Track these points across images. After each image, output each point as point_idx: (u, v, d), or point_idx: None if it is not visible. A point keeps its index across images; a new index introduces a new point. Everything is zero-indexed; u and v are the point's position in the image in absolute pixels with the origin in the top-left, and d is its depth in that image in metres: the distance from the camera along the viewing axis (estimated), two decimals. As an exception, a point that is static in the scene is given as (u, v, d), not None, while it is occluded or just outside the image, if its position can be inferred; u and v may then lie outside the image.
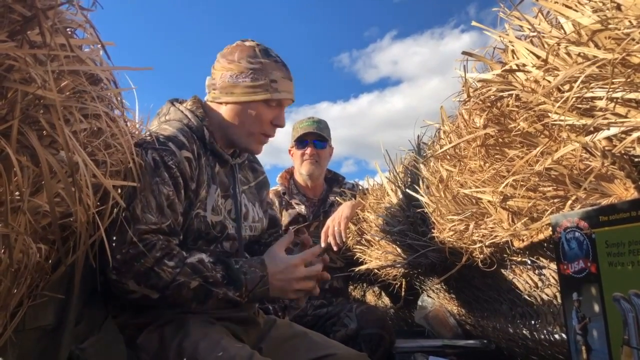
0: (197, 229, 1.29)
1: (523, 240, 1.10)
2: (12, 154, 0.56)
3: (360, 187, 2.65)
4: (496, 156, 1.05)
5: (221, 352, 1.13)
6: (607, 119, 0.70)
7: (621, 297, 0.74)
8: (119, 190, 1.08)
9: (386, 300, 3.52)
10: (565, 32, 0.76)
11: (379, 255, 2.12)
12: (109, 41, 0.72)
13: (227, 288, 1.19)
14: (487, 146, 1.04)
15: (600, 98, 0.70)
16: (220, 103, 1.39)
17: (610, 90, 0.67)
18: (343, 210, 2.33)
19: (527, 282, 1.41)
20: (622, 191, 0.79)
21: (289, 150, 2.70)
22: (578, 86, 0.70)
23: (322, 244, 2.27)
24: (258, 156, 1.60)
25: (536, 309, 1.47)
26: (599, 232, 0.78)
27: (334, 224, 2.29)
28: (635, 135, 0.67)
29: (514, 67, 0.86)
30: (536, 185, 0.96)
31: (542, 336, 1.47)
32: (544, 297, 1.37)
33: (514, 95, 0.87)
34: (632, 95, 0.66)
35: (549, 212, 0.96)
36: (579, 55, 0.72)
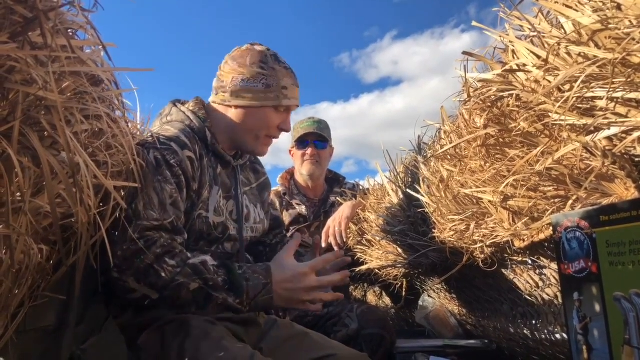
0: (199, 230, 1.29)
1: (524, 240, 1.10)
2: (14, 155, 0.56)
3: (361, 188, 2.65)
4: (497, 156, 1.05)
5: (222, 353, 1.13)
6: (607, 118, 0.70)
7: (622, 296, 0.74)
8: (121, 192, 1.08)
9: (387, 300, 3.52)
10: (565, 32, 0.76)
11: (380, 256, 2.12)
12: (110, 42, 0.72)
13: (228, 294, 1.15)
14: (487, 146, 1.04)
15: (600, 98, 0.70)
16: (229, 106, 1.40)
17: (611, 90, 0.67)
18: (344, 210, 2.33)
19: (528, 282, 1.41)
20: (622, 191, 0.80)
21: (290, 151, 2.70)
22: (578, 86, 0.70)
23: (323, 244, 2.27)
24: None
25: (537, 308, 1.47)
26: (600, 232, 0.78)
27: (335, 224, 2.29)
28: (635, 135, 0.67)
29: (515, 67, 0.86)
30: (537, 185, 0.96)
31: (543, 336, 1.46)
32: (545, 297, 1.37)
33: (514, 95, 0.87)
34: (633, 95, 0.66)
35: (549, 212, 0.96)
36: (579, 55, 0.73)
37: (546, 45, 0.80)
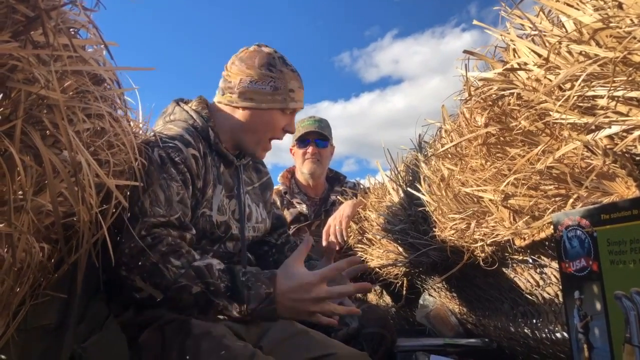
0: (202, 228, 1.29)
1: (524, 239, 1.10)
2: (16, 154, 0.56)
3: (362, 186, 2.65)
4: (497, 155, 1.05)
5: (223, 351, 1.13)
6: (608, 117, 0.70)
7: (623, 295, 0.74)
8: (124, 191, 1.08)
9: (387, 299, 3.52)
10: (566, 31, 0.76)
11: (380, 254, 2.12)
12: (112, 41, 0.72)
13: (229, 301, 1.11)
14: (488, 145, 1.05)
15: (601, 96, 0.70)
16: (237, 107, 1.40)
17: (612, 88, 0.67)
18: (344, 209, 2.33)
19: (528, 281, 1.42)
20: (623, 189, 0.80)
21: (290, 149, 2.70)
22: (579, 85, 0.70)
23: (324, 243, 2.27)
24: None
25: (537, 307, 1.47)
26: (601, 231, 0.78)
27: (335, 223, 2.29)
28: (636, 133, 0.67)
29: (516, 65, 0.86)
30: (537, 183, 0.96)
31: (544, 335, 1.47)
32: (546, 295, 1.37)
33: (515, 94, 0.87)
34: (634, 94, 0.66)
35: (550, 210, 0.96)
36: (580, 53, 0.73)
37: (547, 44, 0.80)
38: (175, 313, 1.21)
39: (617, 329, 0.75)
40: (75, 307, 0.97)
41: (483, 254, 1.33)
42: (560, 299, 1.28)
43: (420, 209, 1.63)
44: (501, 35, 0.92)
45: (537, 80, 0.80)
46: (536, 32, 0.84)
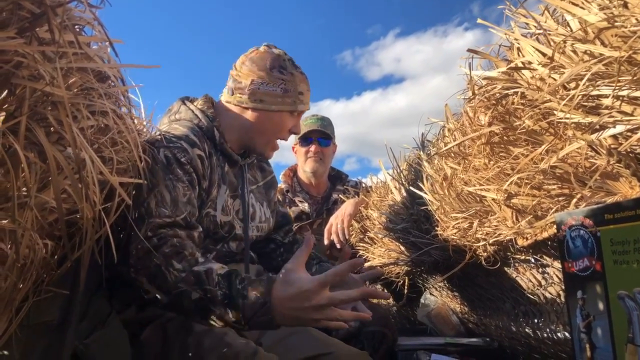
0: (206, 228, 1.29)
1: (527, 239, 1.10)
2: (20, 150, 0.56)
3: (364, 185, 2.65)
4: (501, 154, 1.05)
5: (226, 349, 1.13)
6: (612, 117, 0.70)
7: (626, 295, 0.74)
8: (128, 189, 1.08)
9: (388, 298, 3.52)
10: (571, 30, 0.76)
11: (382, 253, 2.12)
12: (117, 38, 0.72)
13: (225, 309, 1.05)
14: (491, 144, 1.04)
15: (606, 96, 0.70)
16: (246, 108, 1.40)
17: (617, 88, 0.67)
18: (346, 207, 2.33)
19: (530, 281, 1.41)
20: (627, 189, 0.79)
21: (292, 147, 2.70)
22: (584, 84, 0.70)
23: (326, 242, 2.27)
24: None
25: (539, 307, 1.47)
26: (604, 230, 0.78)
27: (337, 222, 2.29)
28: (641, 133, 0.67)
29: (520, 64, 0.86)
30: (541, 183, 0.96)
31: (545, 334, 1.47)
32: (548, 295, 1.37)
33: (519, 93, 0.87)
34: (638, 94, 0.66)
35: (553, 210, 0.96)
36: (585, 53, 0.72)
37: (552, 43, 0.80)
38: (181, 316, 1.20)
39: (619, 328, 0.75)
40: (78, 304, 0.98)
41: (485, 253, 1.33)
42: (562, 299, 1.28)
43: (423, 207, 1.63)
44: (505, 34, 0.92)
45: (542, 79, 0.80)
46: (541, 31, 0.83)
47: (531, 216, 1.03)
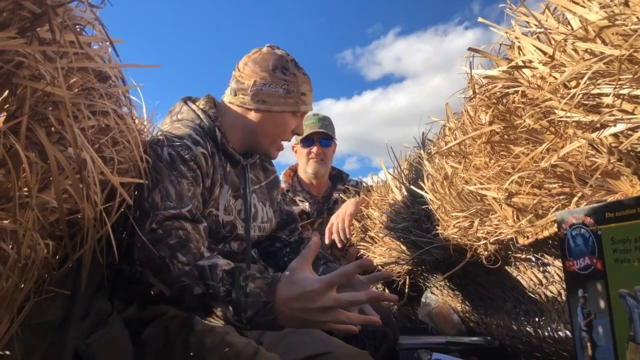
0: (208, 228, 1.30)
1: (528, 237, 1.10)
2: (21, 150, 0.56)
3: (364, 185, 2.65)
4: (501, 153, 1.05)
5: (227, 348, 1.13)
6: (613, 115, 0.70)
7: (627, 293, 0.74)
8: (129, 188, 1.08)
9: (389, 297, 3.51)
10: (572, 28, 0.76)
11: (383, 252, 2.12)
12: (118, 38, 0.73)
13: (227, 307, 1.03)
14: (492, 143, 1.04)
15: (607, 94, 0.70)
16: (249, 109, 1.40)
17: (617, 86, 0.67)
18: (347, 207, 2.33)
19: (531, 279, 1.41)
20: (628, 188, 0.79)
21: (293, 147, 2.70)
22: (585, 83, 0.70)
23: (327, 241, 2.27)
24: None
25: (540, 306, 1.47)
26: (605, 229, 0.78)
27: (338, 221, 2.29)
28: (642, 131, 0.67)
29: (520, 63, 0.86)
30: (541, 182, 0.96)
31: (546, 333, 1.47)
32: (548, 294, 1.37)
33: (520, 92, 0.87)
34: (639, 92, 0.66)
35: (554, 208, 0.96)
36: (585, 51, 0.72)
37: (552, 42, 0.80)
38: (185, 313, 1.20)
39: (621, 327, 0.75)
40: (79, 304, 0.98)
41: (486, 252, 1.33)
42: (563, 298, 1.28)
43: (423, 207, 1.63)
44: (506, 32, 0.92)
45: (542, 78, 0.80)
46: (541, 30, 0.83)
47: (532, 215, 1.03)
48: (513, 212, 1.09)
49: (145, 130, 1.28)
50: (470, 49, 0.98)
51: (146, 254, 1.09)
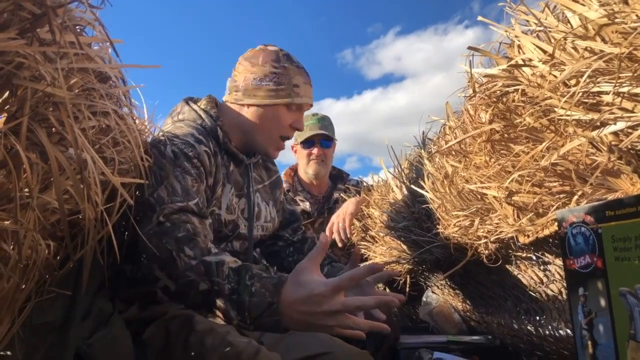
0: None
1: (528, 236, 1.10)
2: (22, 151, 0.56)
3: (365, 184, 2.65)
4: (502, 151, 1.05)
5: (228, 348, 1.13)
6: (613, 113, 0.70)
7: (627, 291, 0.74)
8: (130, 189, 1.08)
9: (390, 296, 3.51)
10: (572, 27, 0.76)
11: (384, 252, 2.12)
12: (118, 39, 0.73)
13: (231, 305, 1.01)
14: (492, 141, 1.04)
15: (607, 93, 0.70)
16: (243, 105, 1.40)
17: (617, 84, 0.67)
18: (347, 206, 2.33)
19: (532, 278, 1.41)
20: (628, 186, 0.79)
21: (292, 147, 2.70)
22: (585, 81, 0.70)
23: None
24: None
25: (541, 304, 1.47)
26: (606, 227, 0.78)
27: (339, 221, 2.29)
28: (642, 129, 0.67)
29: (520, 61, 0.86)
30: (542, 180, 0.96)
31: (547, 332, 1.46)
32: (549, 293, 1.37)
33: (520, 90, 0.87)
34: (639, 90, 0.66)
35: (554, 207, 0.96)
36: (585, 49, 0.72)
37: (552, 40, 0.80)
38: (190, 309, 1.20)
39: (621, 325, 0.75)
40: (80, 304, 0.98)
41: (487, 251, 1.33)
42: (564, 296, 1.27)
43: (424, 206, 1.63)
44: (506, 31, 0.92)
45: (542, 76, 0.80)
46: (541, 28, 0.83)
47: (532, 213, 1.03)
48: (513, 211, 1.09)
49: (146, 130, 1.29)
50: (470, 48, 0.98)
51: (153, 247, 1.07)
